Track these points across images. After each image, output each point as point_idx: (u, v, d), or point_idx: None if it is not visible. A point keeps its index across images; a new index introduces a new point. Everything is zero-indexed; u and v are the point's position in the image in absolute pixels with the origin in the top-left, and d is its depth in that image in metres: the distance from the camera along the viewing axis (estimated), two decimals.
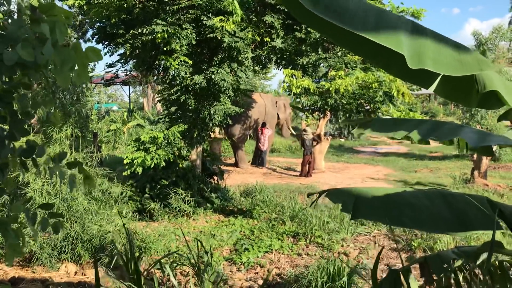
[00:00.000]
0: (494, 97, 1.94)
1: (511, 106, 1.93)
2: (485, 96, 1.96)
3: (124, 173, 8.00)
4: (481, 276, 2.78)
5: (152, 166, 7.96)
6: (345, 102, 10.01)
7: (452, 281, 2.63)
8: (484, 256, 2.78)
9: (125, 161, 8.00)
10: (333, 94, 9.87)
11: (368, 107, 11.12)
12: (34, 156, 1.86)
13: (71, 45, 1.65)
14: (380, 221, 2.58)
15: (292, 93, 10.34)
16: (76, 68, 1.65)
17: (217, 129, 11.02)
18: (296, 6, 1.78)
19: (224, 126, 10.45)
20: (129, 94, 36.56)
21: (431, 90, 2.09)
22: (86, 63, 1.68)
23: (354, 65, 10.42)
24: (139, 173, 8.01)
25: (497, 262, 2.62)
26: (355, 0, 1.78)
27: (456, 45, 1.81)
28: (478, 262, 2.42)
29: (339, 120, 24.20)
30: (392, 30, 1.70)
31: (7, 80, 1.69)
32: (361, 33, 1.64)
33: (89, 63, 1.72)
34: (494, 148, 13.87)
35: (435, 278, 2.57)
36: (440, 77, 2.03)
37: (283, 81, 10.09)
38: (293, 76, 9.86)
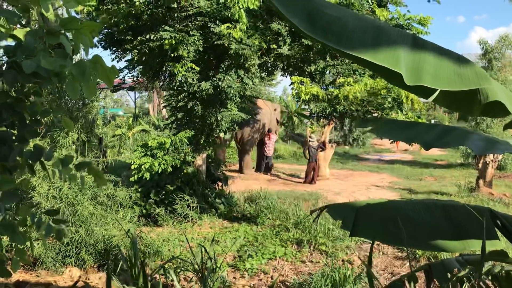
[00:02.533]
0: (498, 105, 1.95)
1: None
2: (489, 105, 1.97)
3: (131, 179, 8.02)
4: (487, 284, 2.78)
5: (159, 172, 7.99)
6: (353, 109, 10.01)
7: None
8: (488, 264, 2.78)
9: (132, 167, 8.03)
10: (342, 101, 9.87)
11: (376, 114, 11.12)
12: (42, 159, 1.89)
13: (91, 58, 1.70)
14: (378, 240, 2.59)
15: (301, 100, 10.37)
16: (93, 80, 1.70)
17: (221, 134, 11.05)
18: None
19: (234, 130, 10.49)
20: (135, 99, 36.73)
21: (430, 100, 2.10)
22: (112, 77, 1.73)
23: (363, 72, 10.44)
24: (147, 179, 8.03)
25: (503, 272, 2.61)
26: (354, 18, 1.79)
27: (458, 58, 1.82)
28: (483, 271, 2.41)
29: (347, 123, 24.14)
30: (391, 47, 1.71)
31: (18, 88, 1.73)
32: (359, 55, 1.67)
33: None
34: (500, 156, 13.78)
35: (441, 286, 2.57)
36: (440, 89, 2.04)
37: (292, 88, 10.10)
38: (302, 83, 9.87)
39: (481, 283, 2.62)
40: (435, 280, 2.49)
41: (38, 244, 5.50)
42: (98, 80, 1.78)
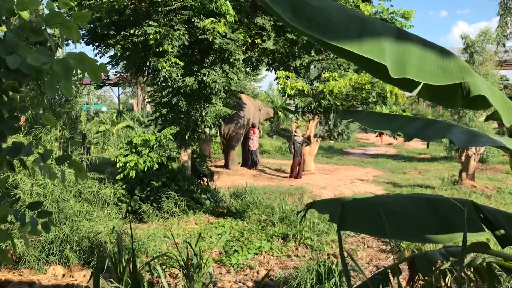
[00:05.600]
0: (480, 98, 1.96)
1: (497, 109, 1.95)
2: (471, 98, 1.99)
3: (117, 177, 7.95)
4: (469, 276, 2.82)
5: (145, 169, 7.93)
6: (338, 104, 10.06)
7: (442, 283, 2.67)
8: (470, 256, 2.83)
9: (118, 165, 7.95)
10: (327, 96, 9.91)
11: (360, 108, 11.17)
12: (21, 156, 1.86)
13: (78, 55, 1.69)
14: (365, 233, 2.61)
15: (286, 94, 10.39)
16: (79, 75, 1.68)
17: (207, 129, 11.03)
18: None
19: (219, 125, 10.47)
20: (119, 95, 36.39)
21: (414, 94, 2.11)
22: (99, 74, 1.72)
23: (347, 67, 10.48)
24: (133, 177, 7.96)
25: (484, 264, 2.66)
26: (338, 10, 1.79)
27: (441, 51, 1.83)
28: (464, 263, 2.45)
29: (331, 118, 24.29)
30: (376, 39, 1.71)
31: None
32: (343, 46, 1.66)
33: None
34: (482, 149, 13.96)
35: (424, 278, 2.60)
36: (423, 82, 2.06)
37: (278, 83, 10.09)
38: (287, 78, 9.88)
39: (462, 275, 2.66)
40: (418, 272, 2.52)
41: (20, 242, 5.42)
42: (82, 75, 1.77)
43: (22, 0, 1.69)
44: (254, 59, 9.64)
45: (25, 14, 1.74)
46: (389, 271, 2.61)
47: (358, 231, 2.48)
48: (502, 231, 2.22)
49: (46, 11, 1.77)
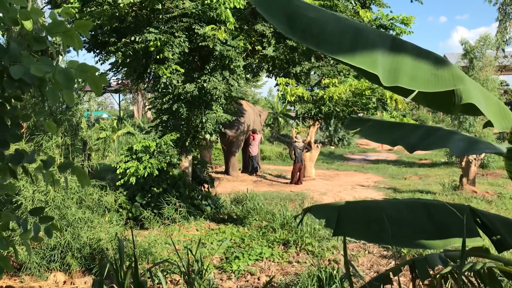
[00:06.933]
0: (473, 105, 1.98)
1: (489, 119, 1.97)
2: (468, 104, 2.01)
3: (118, 183, 7.96)
4: (468, 280, 2.82)
5: (145, 176, 7.94)
6: (338, 110, 10.08)
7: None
8: (470, 261, 2.83)
9: (118, 171, 7.97)
10: (327, 102, 9.94)
11: (361, 114, 11.20)
12: (24, 163, 1.88)
13: (78, 65, 1.71)
14: (359, 239, 2.62)
15: (286, 101, 10.41)
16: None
17: (207, 136, 11.07)
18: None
19: (220, 131, 10.45)
20: (119, 101, 36.47)
21: (408, 99, 2.13)
22: (100, 85, 1.74)
23: (347, 73, 10.52)
24: (133, 183, 7.98)
25: (486, 268, 2.66)
26: (334, 20, 1.81)
27: (436, 59, 1.84)
28: (465, 268, 2.46)
29: (332, 124, 24.30)
30: (369, 49, 1.72)
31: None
32: (337, 57, 1.68)
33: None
34: (482, 155, 13.93)
35: (425, 282, 2.60)
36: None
37: (278, 90, 10.12)
38: (287, 85, 9.91)
39: (464, 279, 2.66)
40: (418, 276, 2.53)
41: (22, 249, 5.43)
42: (83, 83, 1.80)
43: (25, 10, 1.72)
44: (254, 65, 9.69)
45: (28, 24, 1.76)
46: (390, 273, 2.61)
47: (353, 237, 2.51)
48: (499, 236, 2.23)
49: (49, 21, 1.80)
